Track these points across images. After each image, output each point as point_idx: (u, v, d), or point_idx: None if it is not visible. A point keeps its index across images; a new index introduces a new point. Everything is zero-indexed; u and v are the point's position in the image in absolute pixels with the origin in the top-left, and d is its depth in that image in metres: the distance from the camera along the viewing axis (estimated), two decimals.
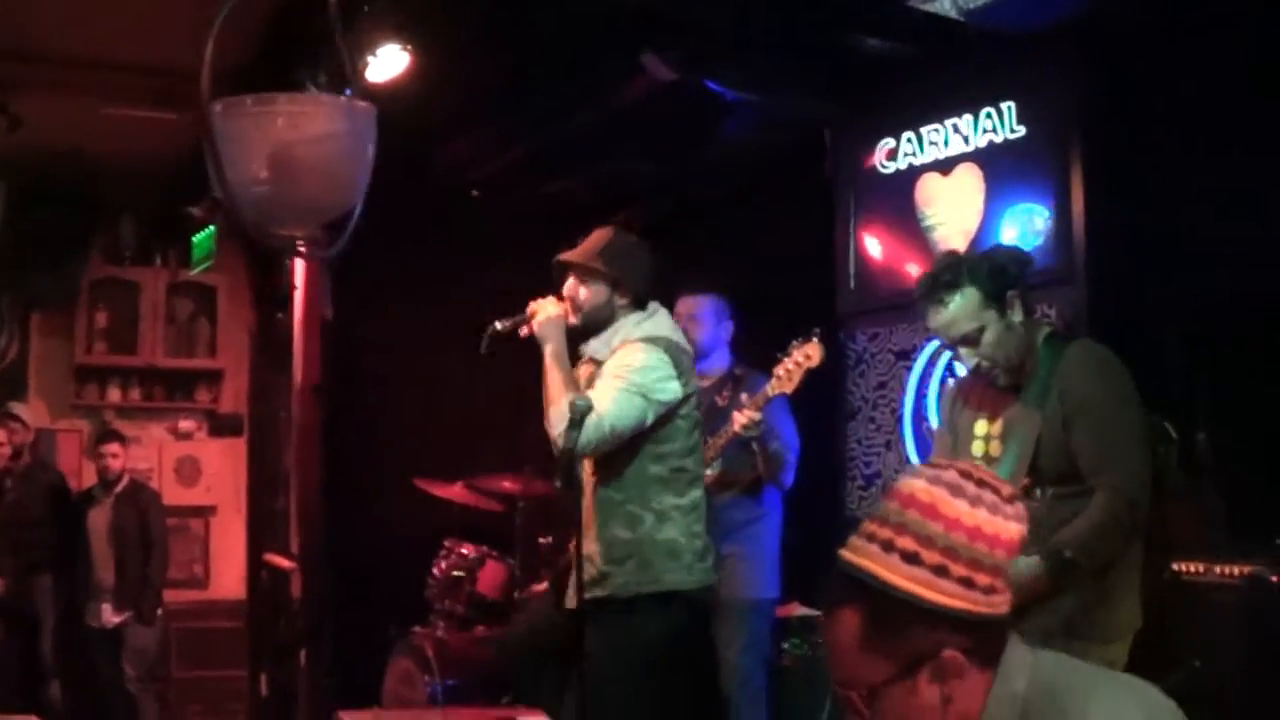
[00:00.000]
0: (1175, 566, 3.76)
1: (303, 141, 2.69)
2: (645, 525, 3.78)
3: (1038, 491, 2.93)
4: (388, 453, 6.58)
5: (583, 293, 3.91)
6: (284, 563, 7.07)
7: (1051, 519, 3.19)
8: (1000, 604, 1.81)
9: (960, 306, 3.31)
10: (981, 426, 3.46)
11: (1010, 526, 1.81)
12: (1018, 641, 1.89)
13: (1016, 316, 3.35)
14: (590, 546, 3.79)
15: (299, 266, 6.58)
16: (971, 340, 3.33)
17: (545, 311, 3.90)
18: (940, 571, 1.76)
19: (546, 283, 6.89)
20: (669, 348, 3.85)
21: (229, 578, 7.81)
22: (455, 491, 5.87)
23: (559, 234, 7.25)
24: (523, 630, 4.11)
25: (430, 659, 5.43)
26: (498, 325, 3.96)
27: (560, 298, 3.96)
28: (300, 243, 2.87)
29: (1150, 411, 3.43)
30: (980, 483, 1.82)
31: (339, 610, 6.19)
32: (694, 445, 3.93)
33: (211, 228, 7.67)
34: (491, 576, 5.71)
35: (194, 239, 7.83)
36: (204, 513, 7.87)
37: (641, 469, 3.80)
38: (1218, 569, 3.71)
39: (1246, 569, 3.65)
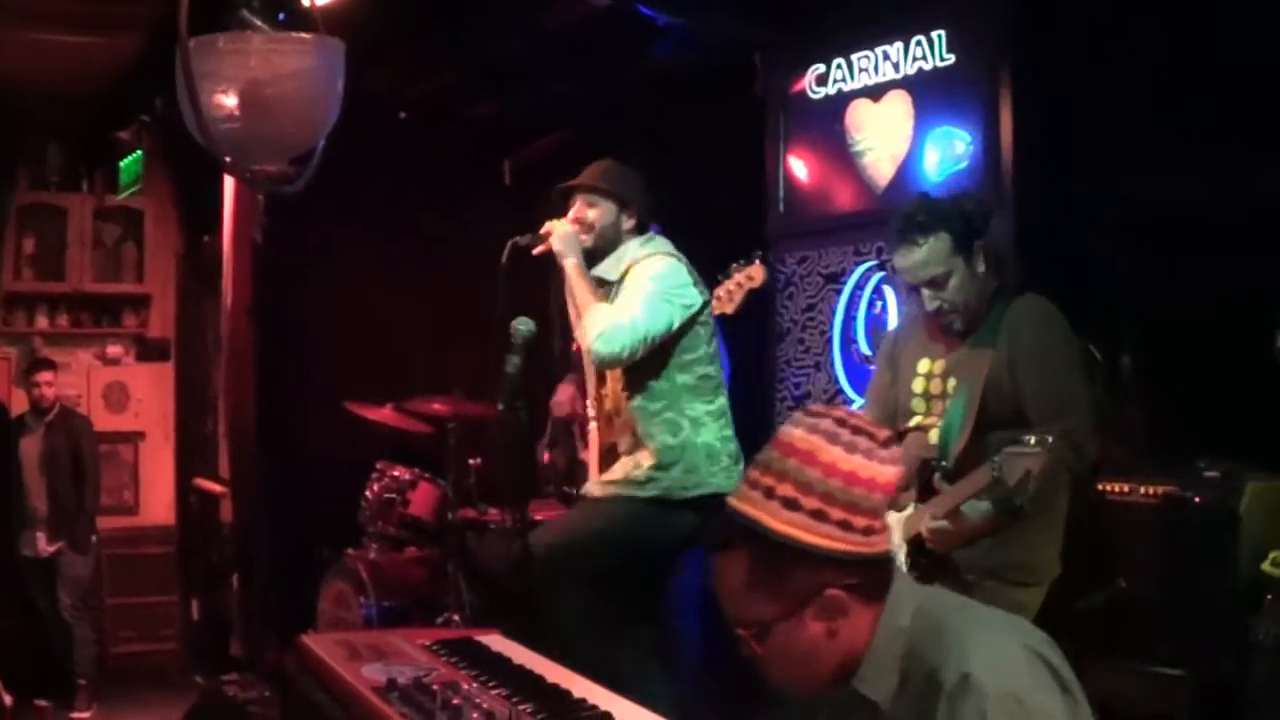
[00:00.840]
0: (1100, 486, 3.83)
1: (275, 79, 2.76)
2: (685, 431, 3.97)
3: (995, 461, 2.98)
4: (317, 376, 6.56)
5: (592, 214, 4.08)
6: (214, 487, 7.06)
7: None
8: (879, 543, 1.89)
9: (933, 249, 3.38)
10: (925, 364, 3.53)
11: (886, 470, 1.89)
12: (906, 578, 2.00)
13: (980, 266, 3.42)
14: (637, 455, 3.99)
15: (228, 189, 6.51)
16: (938, 283, 3.39)
17: (561, 229, 4.03)
18: (818, 516, 1.84)
19: (476, 204, 6.93)
20: (682, 259, 4.06)
21: (159, 504, 7.77)
22: (385, 414, 5.87)
23: (488, 157, 7.33)
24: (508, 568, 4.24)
25: (365, 581, 5.48)
26: (518, 240, 4.06)
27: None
28: (272, 176, 2.93)
29: (1077, 335, 3.50)
30: (855, 429, 1.90)
31: (271, 534, 6.20)
32: (715, 352, 4.12)
33: (139, 152, 7.58)
34: (424, 498, 5.73)
35: (121, 164, 7.73)
36: (133, 438, 7.80)
37: (670, 378, 3.99)
38: (1141, 489, 3.76)
39: (1168, 488, 3.71)
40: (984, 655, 1.79)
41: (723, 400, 4.10)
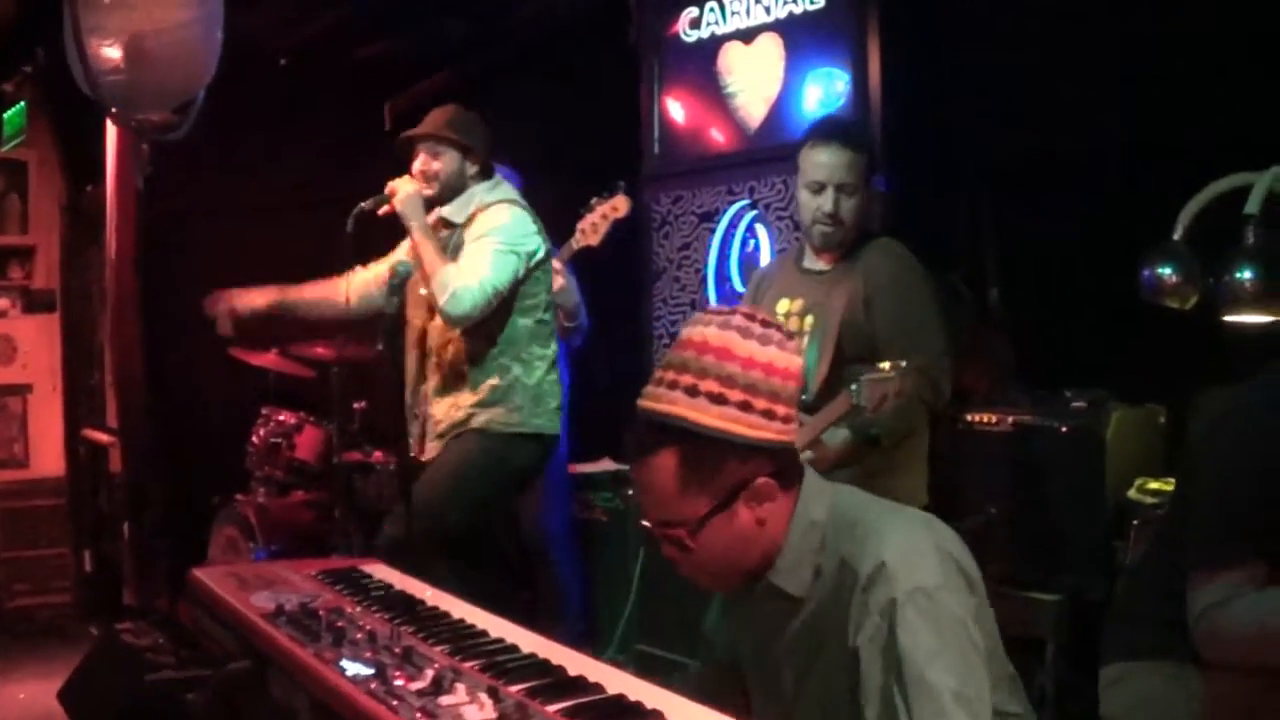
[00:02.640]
0: (969, 416, 3.77)
1: (157, 31, 2.79)
2: (514, 373, 3.90)
3: (852, 387, 2.90)
4: (201, 323, 6.27)
5: (435, 164, 3.99)
6: (102, 437, 6.77)
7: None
8: (794, 432, 1.89)
9: (856, 160, 3.34)
10: (784, 304, 3.44)
11: (794, 360, 1.88)
12: (813, 473, 1.96)
13: (867, 203, 3.39)
14: (460, 394, 3.92)
15: (110, 139, 6.19)
16: (846, 190, 3.32)
17: (404, 189, 3.94)
18: (745, 407, 1.82)
19: (359, 149, 6.63)
20: (526, 207, 3.99)
21: (48, 456, 7.42)
22: (269, 359, 5.65)
23: (369, 101, 7.01)
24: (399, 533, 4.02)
25: (254, 525, 5.29)
26: (363, 205, 3.97)
27: (410, 175, 4.00)
28: (157, 125, 2.93)
29: (945, 270, 3.45)
30: (764, 323, 1.88)
31: (160, 483, 5.95)
32: (551, 300, 4.05)
33: (22, 104, 7.22)
34: (309, 441, 5.53)
35: (4, 115, 7.35)
36: (21, 391, 7.43)
37: (513, 322, 3.91)
38: (1010, 419, 3.71)
39: (1036, 418, 3.66)
40: (898, 549, 1.79)
41: (556, 347, 4.04)
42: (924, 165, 4.35)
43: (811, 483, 1.93)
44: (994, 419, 3.75)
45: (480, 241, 3.84)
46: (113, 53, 2.82)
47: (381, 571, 2.81)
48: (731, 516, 1.85)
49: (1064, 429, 3.58)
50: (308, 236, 6.58)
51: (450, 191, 4.00)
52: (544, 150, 5.38)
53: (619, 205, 4.36)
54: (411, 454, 4.02)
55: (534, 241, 3.92)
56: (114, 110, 2.93)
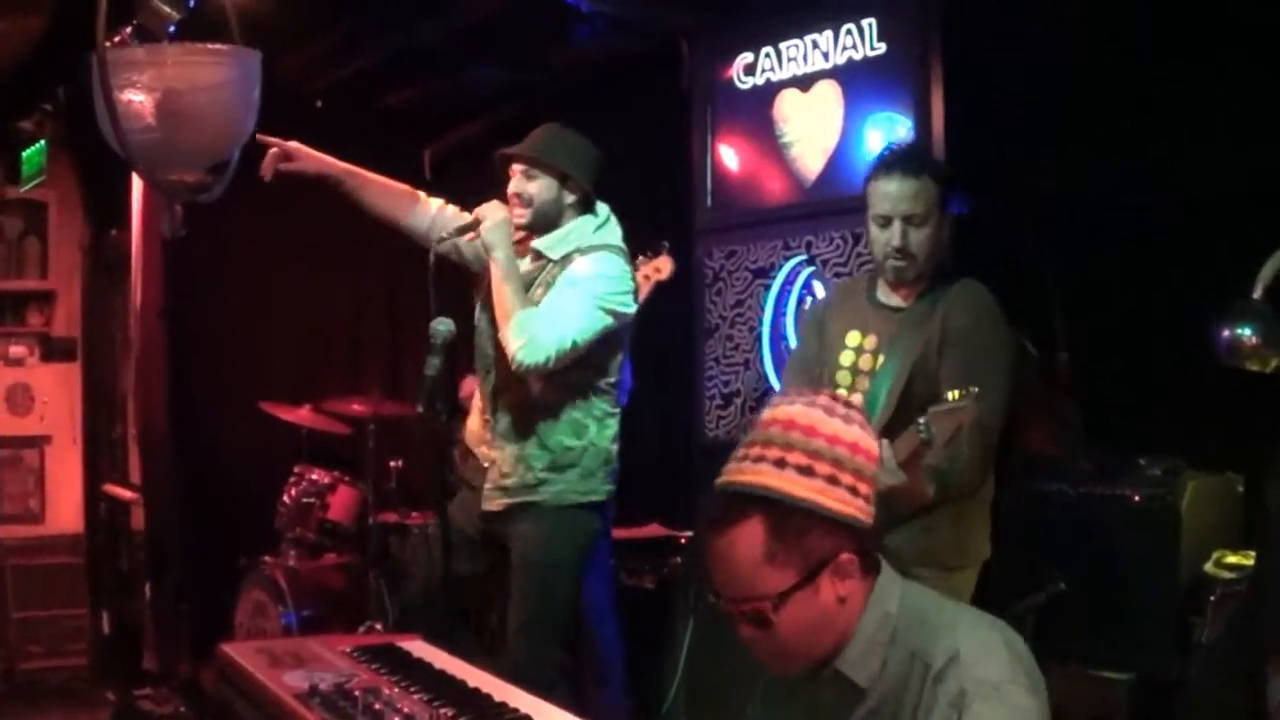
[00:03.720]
0: (1038, 485, 3.82)
1: (191, 90, 2.85)
2: (590, 434, 3.85)
3: (921, 422, 2.94)
4: (230, 376, 6.43)
5: (531, 188, 3.84)
6: (124, 493, 6.89)
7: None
8: (872, 513, 2.01)
9: (928, 188, 3.36)
10: (854, 337, 3.48)
11: (874, 443, 2.04)
12: (888, 565, 2.08)
13: (945, 235, 3.42)
14: (529, 449, 3.82)
15: (136, 181, 6.35)
16: (915, 222, 3.36)
17: (493, 216, 3.78)
18: (832, 481, 1.95)
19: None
20: (628, 258, 3.89)
21: (66, 511, 7.56)
22: (303, 415, 5.78)
23: (406, 147, 7.20)
24: (419, 594, 4.11)
25: (283, 589, 5.39)
26: (445, 233, 3.85)
27: (504, 200, 3.87)
28: (189, 185, 3.00)
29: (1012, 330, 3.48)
30: (846, 404, 2.04)
31: (184, 542, 6.07)
32: (625, 358, 3.99)
33: (42, 142, 7.37)
34: (343, 502, 5.65)
35: (23, 154, 7.51)
36: (38, 443, 7.57)
37: (587, 378, 3.83)
38: (1080, 488, 3.74)
39: (1110, 488, 3.68)
40: (971, 644, 1.92)
41: (620, 404, 4.00)
42: (987, 217, 4.43)
43: (887, 574, 2.05)
44: (1064, 488, 3.81)
45: (576, 289, 3.72)
46: (144, 110, 2.89)
47: (420, 648, 2.83)
48: (815, 592, 1.94)
49: (1136, 498, 3.63)
50: (342, 284, 6.79)
51: (544, 220, 3.85)
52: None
53: (662, 267, 4.43)
54: (474, 483, 3.96)
55: (630, 303, 3.83)
56: (144, 170, 3.00)
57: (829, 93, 4.91)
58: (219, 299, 6.57)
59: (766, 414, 2.03)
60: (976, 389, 2.90)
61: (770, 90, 5.11)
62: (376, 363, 5.94)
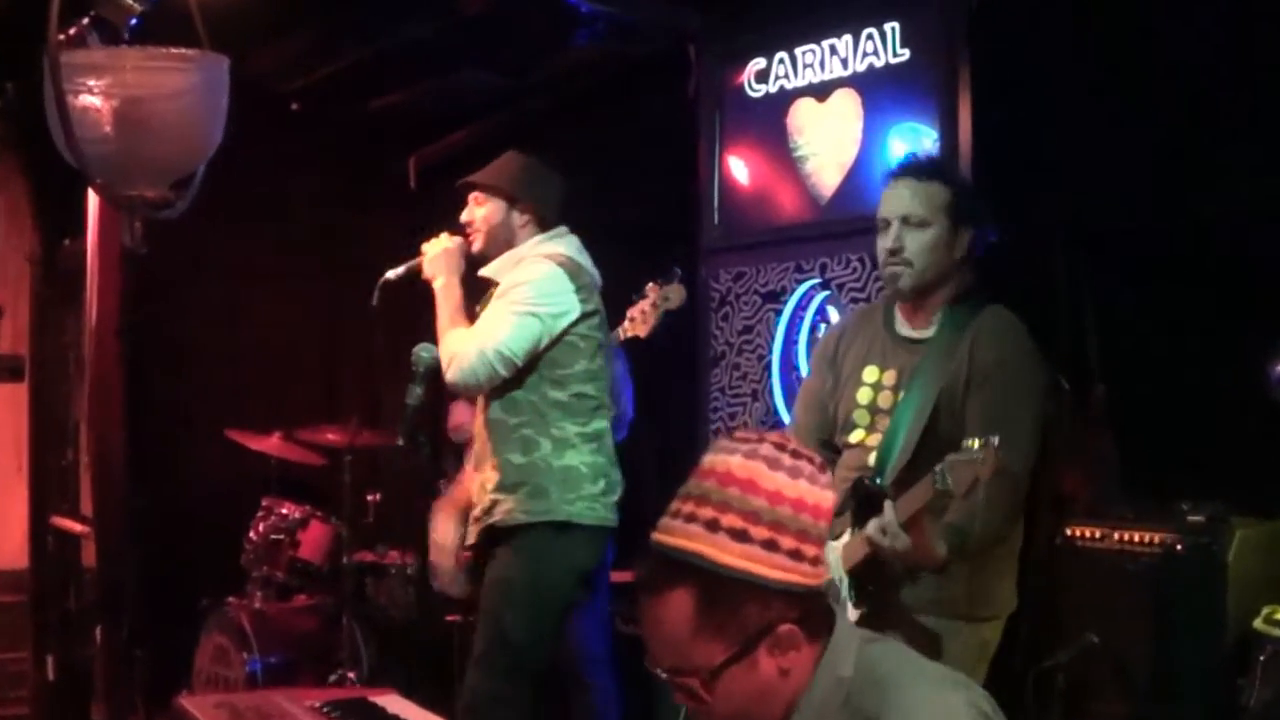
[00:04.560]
0: (1068, 531, 3.82)
1: (154, 98, 2.83)
2: (541, 450, 4.02)
3: (937, 471, 2.96)
4: (193, 401, 6.45)
5: (480, 212, 4.17)
6: (74, 526, 6.88)
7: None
8: (824, 573, 1.97)
9: (930, 191, 3.41)
10: (872, 373, 3.50)
11: (827, 495, 1.97)
12: (847, 623, 2.06)
13: (958, 251, 3.43)
14: (486, 472, 4.06)
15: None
16: (912, 225, 3.39)
17: (435, 247, 4.13)
18: (770, 546, 1.90)
19: (378, 208, 6.84)
20: (565, 263, 4.08)
21: (9, 545, 7.53)
22: (272, 444, 5.81)
23: (391, 155, 7.24)
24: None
25: (248, 633, 5.41)
26: (390, 275, 4.17)
27: (453, 232, 4.19)
28: (150, 201, 2.99)
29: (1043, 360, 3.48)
30: (794, 453, 1.97)
31: (140, 581, 6.07)
32: (597, 370, 4.14)
33: None
34: (315, 539, 5.68)
35: None
36: None
37: (540, 393, 4.03)
38: (1116, 534, 3.74)
39: (1150, 535, 3.68)
40: (930, 706, 1.88)
41: (601, 424, 4.16)
42: (1018, 237, 4.45)
43: (842, 634, 2.01)
44: (1097, 534, 3.81)
45: (500, 301, 4.02)
46: (101, 118, 2.87)
47: (395, 704, 2.86)
48: (752, 665, 1.91)
49: (1178, 547, 3.62)
50: (318, 303, 6.82)
51: (498, 244, 4.18)
52: (584, 215, 5.54)
53: (672, 296, 4.50)
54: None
55: (566, 303, 4.03)
56: (100, 183, 2.97)
57: (847, 102, 4.94)
58: (183, 316, 6.59)
59: (705, 461, 1.98)
60: (997, 438, 2.92)
61: (784, 99, 5.14)
62: (354, 389, 5.96)
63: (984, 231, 3.52)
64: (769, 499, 1.91)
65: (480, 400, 4.14)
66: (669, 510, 1.97)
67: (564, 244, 4.19)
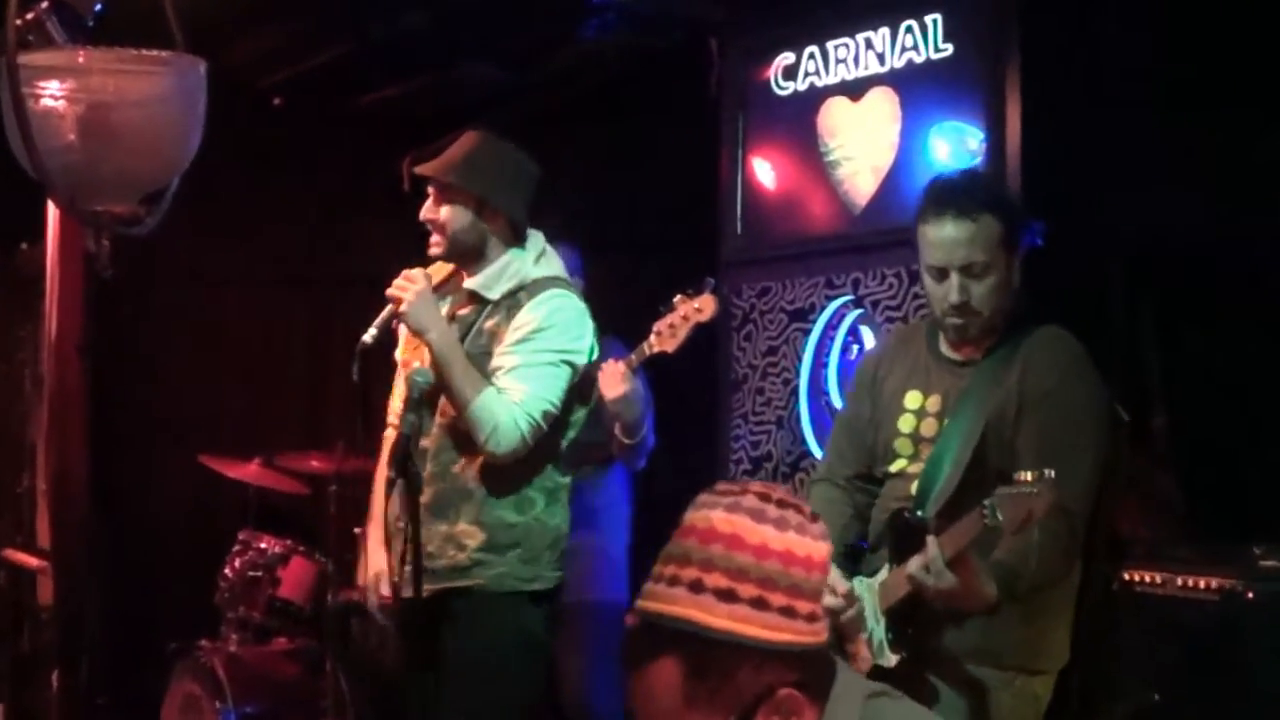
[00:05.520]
0: (1125, 575, 3.81)
1: (124, 104, 2.79)
2: (536, 509, 3.91)
3: (986, 504, 2.97)
4: (164, 423, 6.47)
5: (442, 214, 3.95)
6: (29, 560, 6.90)
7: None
8: (823, 630, 1.97)
9: (987, 230, 3.35)
10: (914, 398, 3.51)
11: (820, 546, 1.97)
12: (851, 675, 2.07)
13: (1016, 278, 3.43)
14: (459, 526, 3.88)
15: None
16: (974, 273, 3.36)
17: (409, 295, 3.86)
18: (759, 605, 1.91)
19: (368, 213, 6.85)
20: (575, 292, 3.99)
21: None
22: (251, 471, 5.82)
23: (383, 156, 7.26)
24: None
25: (221, 680, 5.40)
26: (366, 339, 3.90)
27: (412, 266, 3.96)
28: (119, 217, 2.95)
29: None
30: (781, 503, 1.97)
31: (102, 621, 6.09)
32: (587, 414, 4.08)
33: None
34: (297, 576, 5.67)
35: None
36: None
37: (541, 442, 3.88)
38: (1179, 579, 3.71)
39: (1217, 581, 3.64)
40: None
41: (572, 476, 4.07)
42: (1071, 247, 4.45)
43: (842, 688, 2.02)
44: (1158, 578, 3.78)
45: (527, 346, 3.85)
46: (64, 125, 2.84)
47: None
48: None
49: (1248, 594, 3.59)
50: (302, 318, 6.84)
51: (463, 251, 3.98)
52: (599, 224, 5.55)
53: (704, 307, 4.44)
54: (382, 592, 4.00)
55: (589, 346, 3.97)
56: (62, 197, 2.93)
57: (884, 102, 4.96)
58: (152, 330, 6.62)
59: (686, 519, 1.99)
60: (1052, 472, 2.91)
61: (814, 98, 5.16)
62: (341, 411, 5.97)
63: (1031, 236, 3.53)
64: (755, 554, 1.92)
65: (439, 436, 3.93)
66: (651, 575, 1.98)
67: (556, 261, 4.07)
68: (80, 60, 2.81)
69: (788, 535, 1.94)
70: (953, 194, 3.42)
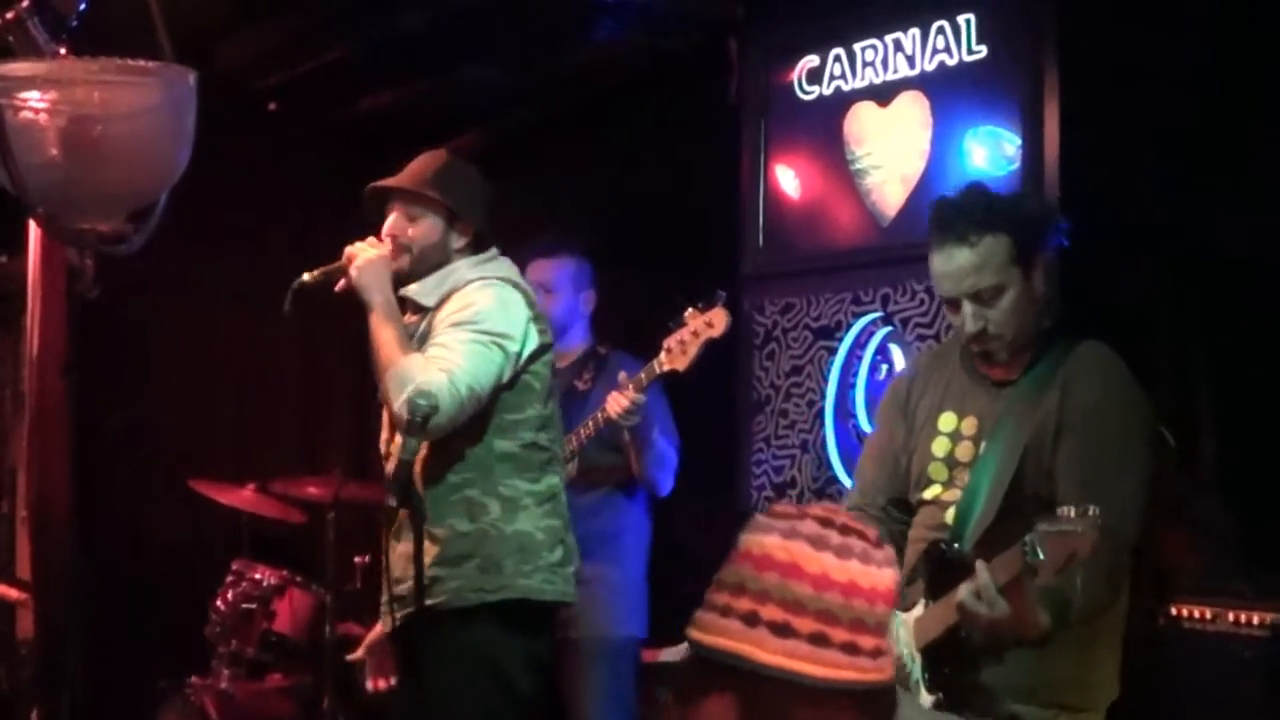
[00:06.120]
0: (1172, 610, 3.81)
1: (110, 117, 2.77)
2: (490, 514, 3.87)
3: (1026, 541, 2.95)
4: (153, 446, 6.48)
5: (412, 230, 4.01)
6: (9, 592, 6.91)
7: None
8: (888, 666, 1.96)
9: (988, 251, 3.33)
10: (949, 421, 3.51)
11: (885, 574, 1.96)
12: (909, 706, 2.10)
13: (1040, 287, 3.40)
14: (408, 544, 3.77)
15: None
16: (985, 298, 3.35)
17: (365, 255, 3.96)
18: (819, 641, 1.90)
19: (367, 226, 6.83)
20: (518, 287, 3.99)
21: None
22: (244, 497, 5.82)
23: (380, 161, 7.25)
24: None
25: (212, 718, 5.40)
26: (305, 277, 4.03)
27: (380, 238, 4.05)
28: (103, 236, 2.94)
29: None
30: (844, 529, 1.97)
31: (86, 656, 6.09)
32: (549, 417, 4.05)
33: None
34: (293, 608, 5.68)
35: None
36: None
37: (485, 443, 3.89)
38: (1230, 614, 3.72)
39: (1268, 615, 3.65)
40: None
41: (554, 479, 4.02)
42: (1113, 256, 4.44)
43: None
44: (1207, 613, 3.80)
45: (451, 329, 3.85)
46: (46, 138, 2.83)
47: None
48: None
49: None
50: (296, 336, 6.83)
51: (427, 267, 4.02)
52: (611, 237, 5.54)
53: (715, 321, 4.44)
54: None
55: (526, 333, 3.93)
56: (44, 215, 2.92)
57: (913, 107, 4.97)
58: (140, 348, 6.62)
59: (740, 543, 1.99)
60: (1097, 510, 2.90)
61: (840, 102, 5.17)
62: (339, 435, 5.96)
63: (1056, 238, 3.51)
64: (814, 585, 1.91)
65: (394, 451, 3.87)
66: (704, 602, 1.97)
67: (505, 266, 4.08)
68: (63, 71, 2.80)
69: (850, 564, 1.93)
70: (949, 220, 3.40)
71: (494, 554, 3.86)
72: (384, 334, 3.85)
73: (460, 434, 3.84)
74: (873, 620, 1.93)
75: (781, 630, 1.89)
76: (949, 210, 3.42)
